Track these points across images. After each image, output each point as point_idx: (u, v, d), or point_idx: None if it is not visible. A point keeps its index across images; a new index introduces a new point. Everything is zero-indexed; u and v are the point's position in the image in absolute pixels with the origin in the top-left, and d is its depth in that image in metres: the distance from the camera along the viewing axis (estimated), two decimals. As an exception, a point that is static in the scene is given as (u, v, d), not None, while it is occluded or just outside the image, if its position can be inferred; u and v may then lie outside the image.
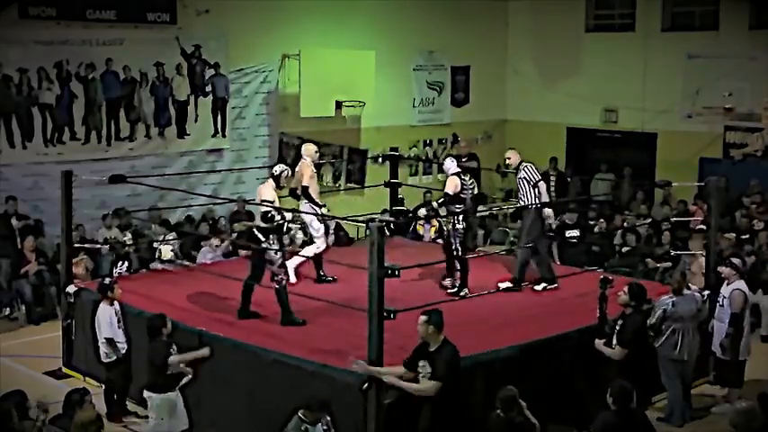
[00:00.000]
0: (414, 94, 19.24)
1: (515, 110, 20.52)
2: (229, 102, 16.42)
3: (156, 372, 8.49)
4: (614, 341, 8.77)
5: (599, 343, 8.84)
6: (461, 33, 19.39)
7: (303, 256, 11.34)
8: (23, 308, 13.50)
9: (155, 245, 14.05)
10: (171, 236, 14.21)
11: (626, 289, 8.96)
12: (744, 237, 14.20)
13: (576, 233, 14.75)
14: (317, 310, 9.87)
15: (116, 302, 9.81)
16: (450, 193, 10.85)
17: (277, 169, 10.17)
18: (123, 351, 9.70)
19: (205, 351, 8.69)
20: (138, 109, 15.45)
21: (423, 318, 7.57)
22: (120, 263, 13.44)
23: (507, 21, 20.50)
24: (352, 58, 16.84)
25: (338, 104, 16.66)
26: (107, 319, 9.62)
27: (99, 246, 13.61)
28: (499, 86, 20.51)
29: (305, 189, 11.12)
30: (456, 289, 10.85)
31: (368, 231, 8.01)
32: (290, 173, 10.36)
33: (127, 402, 9.91)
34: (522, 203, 11.15)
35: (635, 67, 18.46)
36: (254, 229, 9.92)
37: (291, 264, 11.04)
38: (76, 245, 12.27)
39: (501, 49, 20.46)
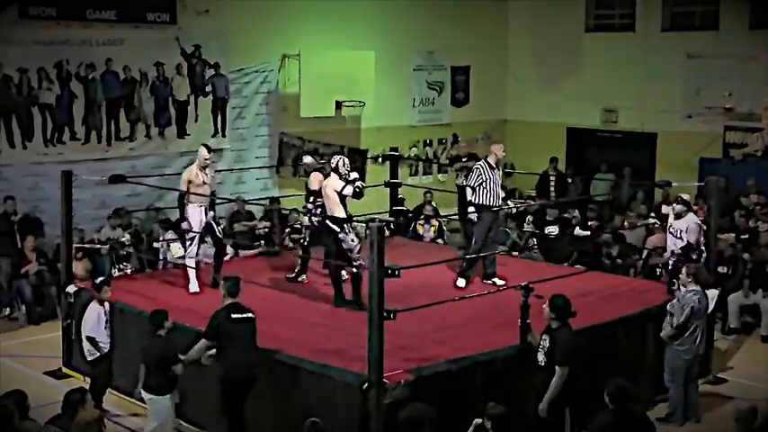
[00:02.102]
0: (414, 94, 19.24)
1: (515, 110, 20.52)
2: (229, 102, 16.42)
3: (161, 372, 8.40)
4: (541, 357, 8.14)
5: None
6: (461, 33, 19.40)
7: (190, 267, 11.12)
8: (23, 308, 13.50)
9: (155, 245, 14.05)
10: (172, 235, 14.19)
11: (547, 302, 8.18)
12: (744, 236, 14.21)
13: (554, 229, 14.89)
14: (318, 310, 9.88)
15: (106, 303, 9.85)
16: (316, 188, 11.23)
17: (333, 161, 10.38)
18: (106, 350, 9.78)
19: (202, 344, 8.43)
20: (138, 109, 15.45)
21: (222, 282, 8.56)
22: (123, 263, 13.46)
23: (507, 21, 20.50)
24: (352, 58, 16.84)
25: (338, 104, 16.66)
26: (94, 318, 9.70)
27: (99, 246, 13.62)
28: (499, 86, 20.52)
29: (180, 195, 10.95)
30: (295, 275, 11.41)
31: (368, 231, 7.99)
32: (346, 161, 10.43)
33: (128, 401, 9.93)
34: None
35: (635, 67, 18.46)
36: (327, 220, 10.19)
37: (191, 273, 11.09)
38: (76, 245, 12.28)
39: (501, 49, 20.46)
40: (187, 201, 10.92)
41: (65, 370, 11.10)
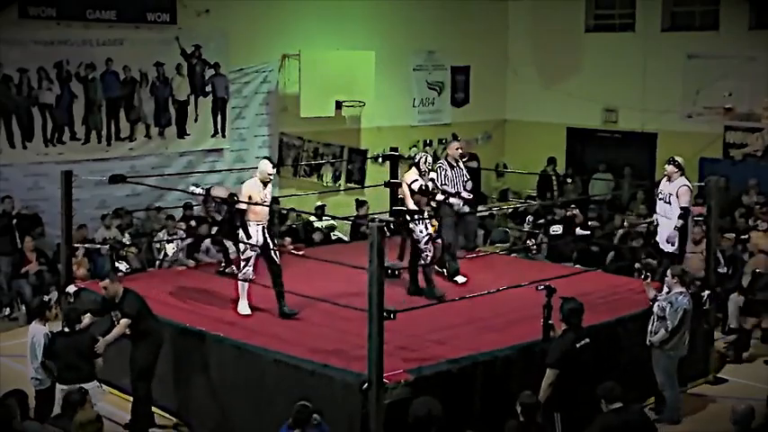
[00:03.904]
0: (414, 94, 19.23)
1: (515, 110, 20.51)
2: (229, 102, 16.43)
3: (88, 361, 8.74)
4: None
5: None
6: (461, 33, 19.39)
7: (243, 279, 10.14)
8: (23, 308, 13.49)
9: (156, 245, 14.04)
10: (174, 235, 14.17)
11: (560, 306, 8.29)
12: (744, 236, 14.19)
13: (558, 228, 14.94)
14: (318, 310, 9.87)
15: (48, 323, 9.29)
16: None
17: (417, 157, 10.85)
18: (55, 375, 8.93)
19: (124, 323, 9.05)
20: (138, 109, 15.46)
21: (107, 281, 9.18)
22: (120, 263, 13.44)
23: (507, 21, 20.49)
24: (352, 58, 16.86)
25: (338, 104, 16.68)
26: (44, 341, 8.98)
27: (99, 246, 13.63)
28: (499, 86, 20.50)
29: (240, 211, 10.08)
30: (222, 267, 11.55)
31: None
32: (429, 159, 10.84)
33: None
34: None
35: (635, 67, 18.45)
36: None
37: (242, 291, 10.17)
38: (77, 244, 12.28)
39: (501, 49, 20.45)
40: (246, 218, 9.99)
41: (65, 370, 11.08)
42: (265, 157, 10.91)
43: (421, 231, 10.64)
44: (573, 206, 15.36)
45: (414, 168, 10.75)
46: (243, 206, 10.01)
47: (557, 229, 15.07)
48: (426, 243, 10.66)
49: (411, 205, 10.67)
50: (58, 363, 8.78)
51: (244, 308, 10.12)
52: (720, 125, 17.54)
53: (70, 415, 7.22)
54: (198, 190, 11.97)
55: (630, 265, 12.62)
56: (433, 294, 10.41)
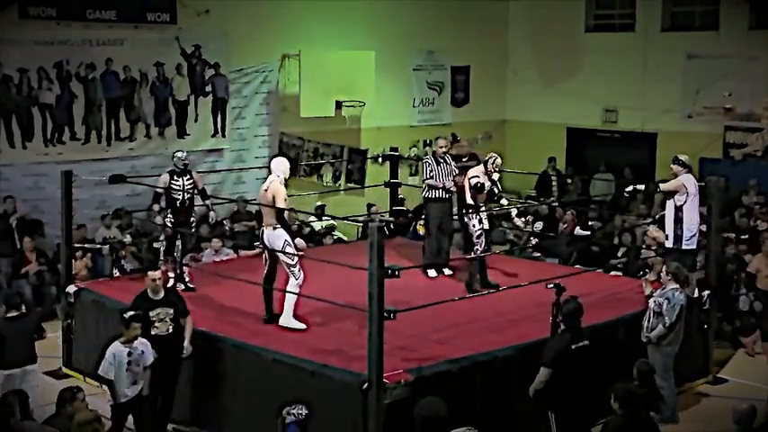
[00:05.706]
0: (414, 94, 19.23)
1: (515, 110, 20.51)
2: (229, 102, 16.42)
3: (31, 344, 9.26)
4: None
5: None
6: (461, 33, 19.39)
7: (291, 292, 9.49)
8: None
9: (155, 245, 14.03)
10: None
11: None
12: (744, 236, 14.20)
13: (539, 225, 15.17)
14: (318, 311, 9.87)
15: (136, 343, 8.49)
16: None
17: (488, 156, 11.12)
18: (122, 400, 8.40)
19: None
20: (138, 109, 15.46)
21: (159, 272, 9.13)
22: (123, 262, 13.43)
23: (507, 21, 20.49)
24: (352, 58, 16.86)
25: (338, 104, 16.68)
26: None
27: (99, 246, 13.61)
28: (499, 86, 20.50)
29: (280, 214, 9.38)
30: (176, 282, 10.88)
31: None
32: (498, 161, 11.06)
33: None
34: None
35: (635, 67, 18.46)
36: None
37: (288, 303, 9.53)
38: (77, 245, 12.28)
39: (501, 49, 20.45)
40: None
41: (65, 370, 11.10)
42: (281, 155, 10.71)
43: (474, 226, 10.90)
44: (555, 203, 15.48)
45: (481, 166, 11.04)
46: (281, 205, 9.33)
47: (538, 225, 15.20)
48: (478, 237, 10.93)
49: (469, 200, 10.93)
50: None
51: (290, 320, 9.46)
52: (720, 125, 17.54)
53: (64, 413, 7.23)
54: (183, 155, 11.20)
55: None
56: (470, 287, 10.79)
